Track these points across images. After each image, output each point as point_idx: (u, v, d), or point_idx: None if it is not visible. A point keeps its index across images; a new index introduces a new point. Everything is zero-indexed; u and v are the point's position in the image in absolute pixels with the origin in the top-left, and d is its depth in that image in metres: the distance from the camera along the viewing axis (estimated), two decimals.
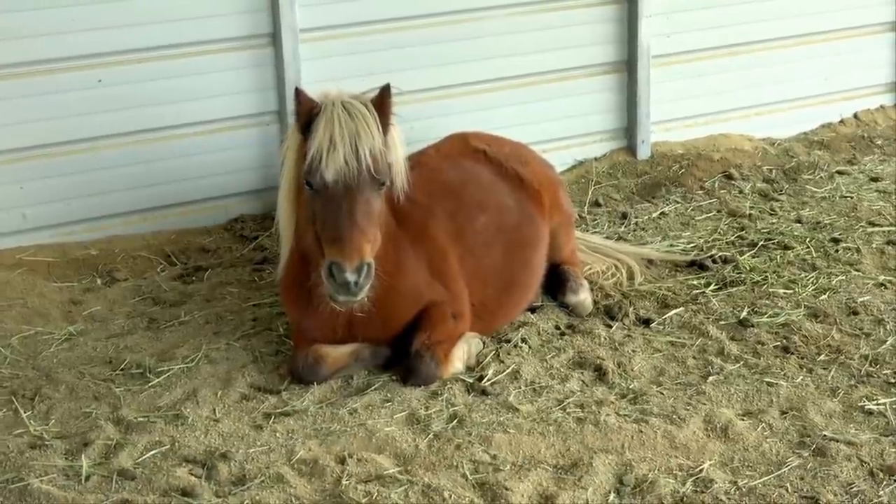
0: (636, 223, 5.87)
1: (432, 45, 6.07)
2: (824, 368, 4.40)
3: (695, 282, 5.16)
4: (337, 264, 3.90)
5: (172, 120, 5.65)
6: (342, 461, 3.81)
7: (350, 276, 3.88)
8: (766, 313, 4.82)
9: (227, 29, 5.66)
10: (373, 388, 4.27)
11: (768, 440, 3.93)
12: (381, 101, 4.11)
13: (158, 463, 3.83)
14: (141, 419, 4.08)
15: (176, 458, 3.85)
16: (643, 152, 6.60)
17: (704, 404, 4.14)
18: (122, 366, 4.47)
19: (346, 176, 3.97)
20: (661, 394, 4.22)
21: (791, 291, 5.01)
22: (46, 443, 3.95)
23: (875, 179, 6.41)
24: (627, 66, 6.53)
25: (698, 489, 3.67)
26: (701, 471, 3.75)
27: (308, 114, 4.07)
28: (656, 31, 6.50)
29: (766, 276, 5.15)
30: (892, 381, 4.30)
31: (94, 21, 5.40)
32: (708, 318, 4.80)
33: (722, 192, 6.24)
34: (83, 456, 3.84)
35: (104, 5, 5.42)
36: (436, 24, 6.08)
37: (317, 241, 4.06)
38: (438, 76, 6.11)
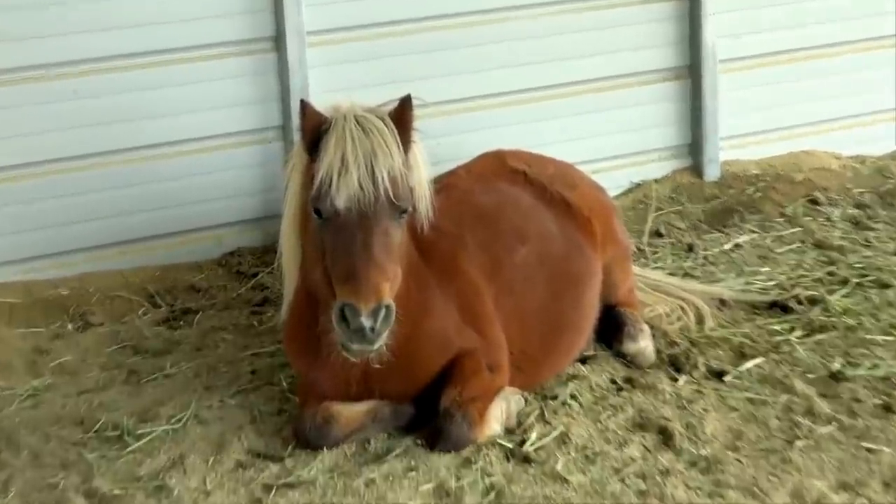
0: (705, 257, 5.88)
1: (460, 50, 6.11)
2: None
3: (776, 327, 5.11)
4: (350, 307, 3.85)
5: (159, 137, 5.68)
6: None
7: (366, 321, 3.82)
8: (862, 364, 4.75)
9: (223, 32, 5.70)
10: (393, 454, 4.21)
11: None
12: (401, 115, 4.09)
13: None
14: (118, 491, 4.03)
15: None
16: (711, 172, 6.62)
17: (791, 475, 4.06)
18: (96, 427, 4.46)
19: (360, 202, 3.93)
20: (739, 462, 4.15)
21: (891, 338, 4.96)
22: None
23: None
24: (691, 71, 6.57)
25: None
26: None
27: (315, 130, 4.05)
28: (724, 31, 6.53)
29: (861, 321, 5.12)
30: None
31: (68, 24, 5.45)
32: (793, 371, 4.75)
33: (806, 219, 6.25)
34: None
35: (80, 5, 5.46)
36: (464, 24, 6.12)
37: (326, 280, 4.02)
38: (468, 85, 6.14)
